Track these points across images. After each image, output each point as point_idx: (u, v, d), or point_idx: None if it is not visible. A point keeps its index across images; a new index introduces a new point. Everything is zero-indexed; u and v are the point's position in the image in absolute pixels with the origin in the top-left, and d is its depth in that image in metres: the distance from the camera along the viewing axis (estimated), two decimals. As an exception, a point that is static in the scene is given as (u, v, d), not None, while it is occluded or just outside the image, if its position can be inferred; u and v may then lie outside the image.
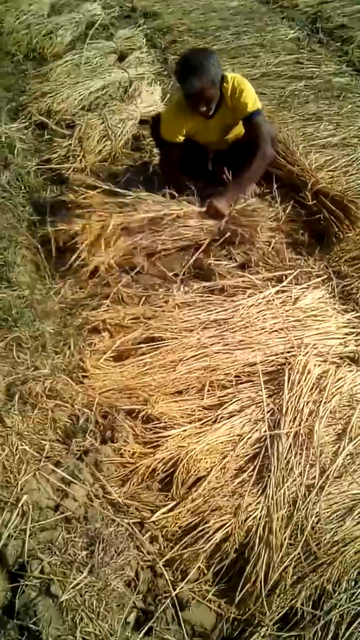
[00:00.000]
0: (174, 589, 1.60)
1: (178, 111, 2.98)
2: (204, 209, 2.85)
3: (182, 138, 3.03)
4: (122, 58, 4.69)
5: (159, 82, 4.36)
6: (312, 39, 5.07)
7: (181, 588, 1.61)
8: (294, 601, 1.61)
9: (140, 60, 4.69)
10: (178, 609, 1.58)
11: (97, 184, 2.94)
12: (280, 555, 1.67)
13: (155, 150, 3.49)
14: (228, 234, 2.82)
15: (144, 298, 2.62)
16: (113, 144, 3.68)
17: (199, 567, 1.67)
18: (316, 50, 4.84)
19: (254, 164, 2.92)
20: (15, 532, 1.60)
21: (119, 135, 3.73)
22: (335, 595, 1.62)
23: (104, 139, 3.70)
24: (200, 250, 2.82)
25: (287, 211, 3.04)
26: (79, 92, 4.17)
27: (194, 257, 2.81)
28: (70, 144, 3.62)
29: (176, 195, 2.90)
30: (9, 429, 1.86)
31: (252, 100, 2.88)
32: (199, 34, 5.04)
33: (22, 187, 3.27)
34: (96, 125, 3.74)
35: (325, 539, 1.71)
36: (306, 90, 4.20)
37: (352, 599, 1.61)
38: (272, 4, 5.82)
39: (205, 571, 1.68)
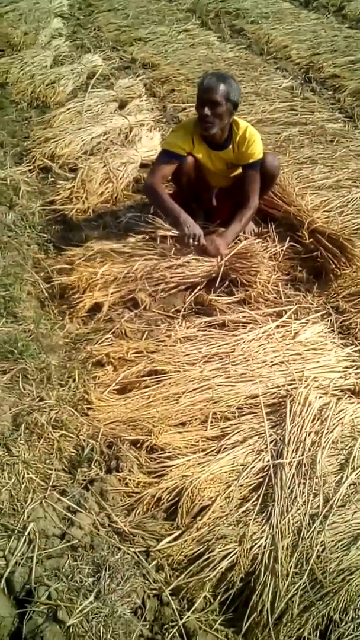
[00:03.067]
0: (181, 618, 1.60)
1: (186, 129, 3.06)
2: (194, 236, 2.89)
3: (183, 152, 3.00)
4: (123, 106, 4.86)
5: (158, 129, 4.50)
6: (305, 87, 5.28)
7: (188, 617, 1.61)
8: (301, 630, 1.61)
9: (140, 107, 4.85)
10: (185, 638, 1.57)
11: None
12: (286, 584, 1.68)
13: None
14: (228, 272, 2.90)
15: (146, 333, 2.67)
16: (114, 187, 3.79)
17: (205, 596, 1.67)
18: (309, 98, 5.03)
19: (245, 215, 3.05)
20: (22, 559, 1.61)
21: (120, 178, 3.84)
22: (343, 624, 1.63)
23: (106, 182, 3.80)
24: (200, 287, 2.90)
25: (285, 249, 3.13)
26: (81, 138, 4.30)
27: (194, 293, 2.87)
28: (74, 186, 3.72)
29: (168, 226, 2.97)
30: (15, 457, 1.88)
31: (258, 153, 3.00)
32: (196, 84, 5.21)
33: (27, 227, 3.36)
34: (98, 168, 3.85)
35: (330, 568, 1.72)
36: (300, 135, 4.35)
37: (359, 628, 1.61)
38: (266, 55, 6.06)
39: (212, 600, 1.68)
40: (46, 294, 2.86)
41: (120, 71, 5.71)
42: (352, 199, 3.47)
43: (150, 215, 3.09)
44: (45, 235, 3.35)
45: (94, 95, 4.94)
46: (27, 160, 4.10)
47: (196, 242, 2.89)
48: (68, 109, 4.71)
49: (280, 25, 6.73)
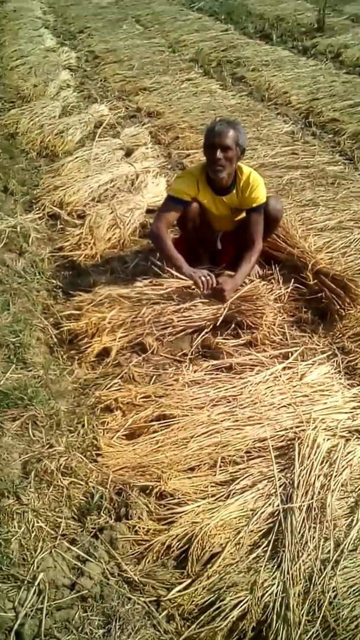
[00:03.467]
0: (192, 670, 1.58)
1: (191, 175, 3.16)
2: (203, 282, 2.98)
3: (188, 198, 3.10)
4: (129, 153, 5.00)
5: (163, 175, 4.61)
6: (305, 132, 5.41)
7: (199, 669, 1.59)
8: None
9: (145, 155, 4.99)
10: None
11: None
12: (299, 632, 1.66)
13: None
14: (234, 315, 2.94)
15: (154, 377, 2.69)
16: (122, 232, 3.87)
17: (217, 646, 1.65)
18: (310, 142, 5.16)
19: (251, 257, 3.11)
20: (32, 610, 1.61)
21: (127, 224, 3.93)
22: (357, 674, 1.60)
23: (113, 228, 3.89)
24: (207, 330, 2.93)
25: (290, 291, 3.17)
26: (89, 185, 4.41)
27: (201, 337, 2.91)
28: (82, 233, 3.81)
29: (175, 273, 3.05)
30: (25, 506, 1.89)
31: (262, 197, 3.08)
32: (199, 130, 5.36)
33: (37, 273, 3.43)
34: (105, 215, 3.95)
35: (343, 615, 1.70)
36: (302, 178, 4.44)
37: None
38: (267, 101, 6.23)
39: (224, 650, 1.66)
40: (55, 340, 2.91)
41: (126, 120, 5.88)
42: (354, 240, 3.52)
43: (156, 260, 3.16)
44: (54, 281, 3.42)
45: (101, 143, 5.09)
46: (37, 208, 4.20)
47: (206, 287, 2.98)
48: (76, 158, 4.84)
49: (280, 72, 6.92)
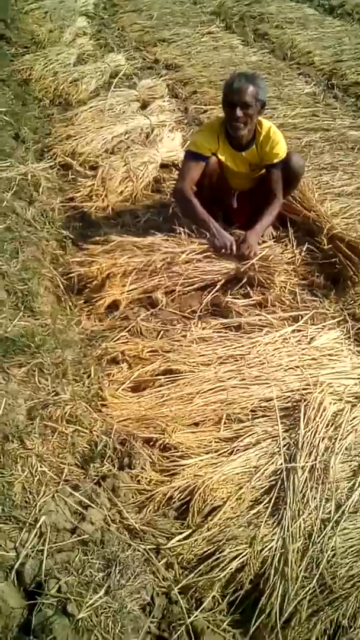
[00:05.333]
0: (189, 617, 1.60)
1: (212, 129, 3.08)
2: (226, 247, 2.92)
3: (209, 152, 3.03)
4: (145, 106, 4.88)
5: (179, 130, 4.51)
6: (327, 94, 5.27)
7: (196, 616, 1.61)
8: (309, 634, 1.61)
9: (162, 108, 4.86)
10: (192, 637, 1.57)
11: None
12: (296, 587, 1.67)
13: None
14: (246, 271, 2.90)
15: (162, 332, 2.68)
16: (134, 186, 3.81)
17: (214, 596, 1.67)
18: (331, 104, 5.03)
19: (272, 210, 3.07)
20: (32, 552, 1.61)
21: (141, 178, 3.86)
22: (351, 630, 1.62)
23: (126, 181, 3.82)
24: (217, 288, 2.90)
25: (303, 254, 3.12)
26: (103, 136, 4.31)
27: (211, 295, 2.88)
28: (93, 184, 3.75)
29: (193, 234, 2.99)
30: (29, 450, 1.89)
31: (282, 152, 3.01)
32: (218, 86, 5.20)
33: (47, 223, 3.37)
34: (119, 167, 3.88)
35: (340, 573, 1.71)
36: (322, 141, 4.34)
37: (368, 635, 1.60)
38: (289, 60, 6.06)
39: (220, 600, 1.68)
40: (63, 290, 2.88)
41: (143, 71, 5.73)
42: (372, 207, 3.45)
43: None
44: (64, 231, 3.37)
45: (117, 94, 4.96)
46: (48, 157, 4.12)
47: (229, 252, 2.92)
48: (90, 107, 4.72)
49: (304, 31, 6.71)
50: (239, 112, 2.84)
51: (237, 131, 2.92)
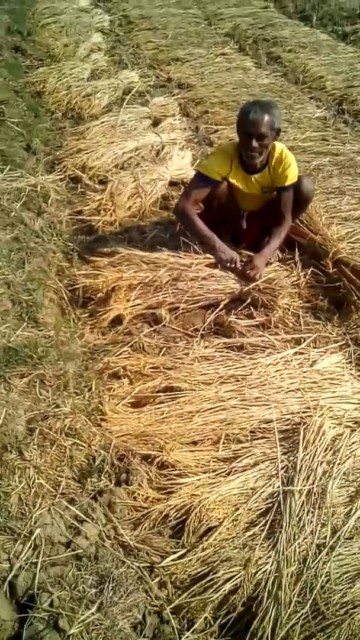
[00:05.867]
0: (180, 638, 1.59)
1: (226, 154, 3.09)
2: (231, 260, 2.96)
3: (219, 178, 3.05)
4: (156, 123, 4.92)
5: (189, 148, 4.55)
6: (337, 119, 5.31)
7: (187, 637, 1.60)
8: (300, 661, 1.60)
9: (172, 126, 4.90)
10: (183, 658, 1.56)
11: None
12: (289, 612, 1.66)
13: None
14: (250, 297, 2.92)
15: (164, 349, 2.68)
16: (143, 202, 3.84)
17: (206, 617, 1.66)
18: (341, 129, 5.07)
19: (281, 233, 3.11)
20: (26, 564, 1.61)
21: (149, 194, 3.89)
22: (342, 658, 1.60)
23: (135, 196, 3.85)
24: (221, 307, 2.91)
25: (308, 277, 3.14)
26: (113, 151, 4.35)
27: (215, 314, 2.89)
28: (102, 198, 3.77)
29: (200, 251, 3.01)
30: (27, 462, 1.89)
31: (293, 175, 3.03)
32: (230, 107, 5.28)
33: (54, 235, 3.40)
34: (128, 182, 3.90)
35: (334, 600, 1.70)
36: (330, 165, 4.37)
37: (359, 664, 1.59)
38: (301, 84, 6.12)
39: (212, 622, 1.67)
40: (67, 302, 2.90)
41: (156, 89, 5.79)
42: (378, 232, 3.47)
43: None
44: (71, 244, 3.40)
45: (129, 110, 5.00)
46: (59, 170, 4.16)
47: (233, 266, 2.95)
48: (102, 122, 4.77)
49: (317, 56, 6.78)
50: (254, 143, 2.87)
51: (252, 160, 2.96)
